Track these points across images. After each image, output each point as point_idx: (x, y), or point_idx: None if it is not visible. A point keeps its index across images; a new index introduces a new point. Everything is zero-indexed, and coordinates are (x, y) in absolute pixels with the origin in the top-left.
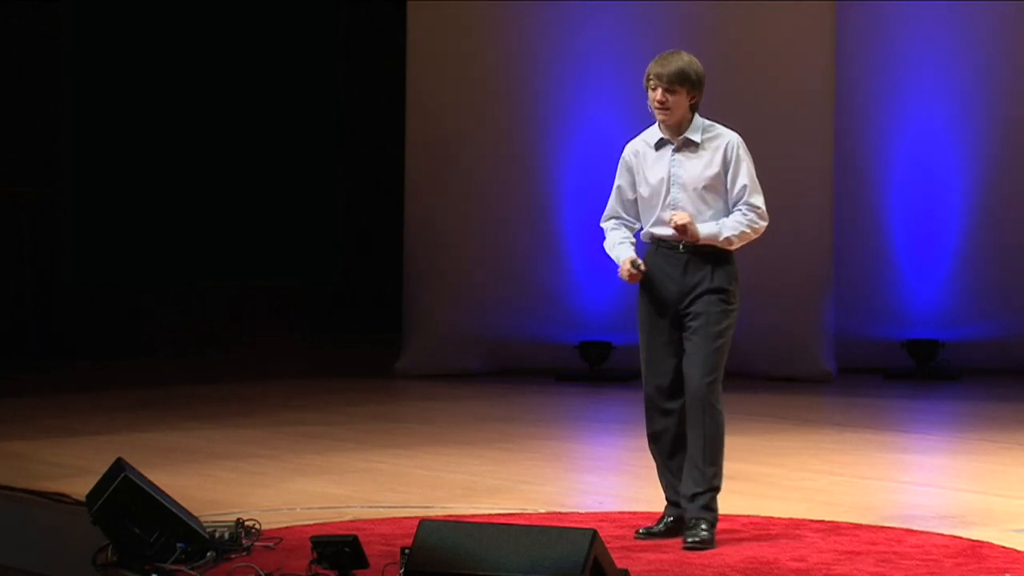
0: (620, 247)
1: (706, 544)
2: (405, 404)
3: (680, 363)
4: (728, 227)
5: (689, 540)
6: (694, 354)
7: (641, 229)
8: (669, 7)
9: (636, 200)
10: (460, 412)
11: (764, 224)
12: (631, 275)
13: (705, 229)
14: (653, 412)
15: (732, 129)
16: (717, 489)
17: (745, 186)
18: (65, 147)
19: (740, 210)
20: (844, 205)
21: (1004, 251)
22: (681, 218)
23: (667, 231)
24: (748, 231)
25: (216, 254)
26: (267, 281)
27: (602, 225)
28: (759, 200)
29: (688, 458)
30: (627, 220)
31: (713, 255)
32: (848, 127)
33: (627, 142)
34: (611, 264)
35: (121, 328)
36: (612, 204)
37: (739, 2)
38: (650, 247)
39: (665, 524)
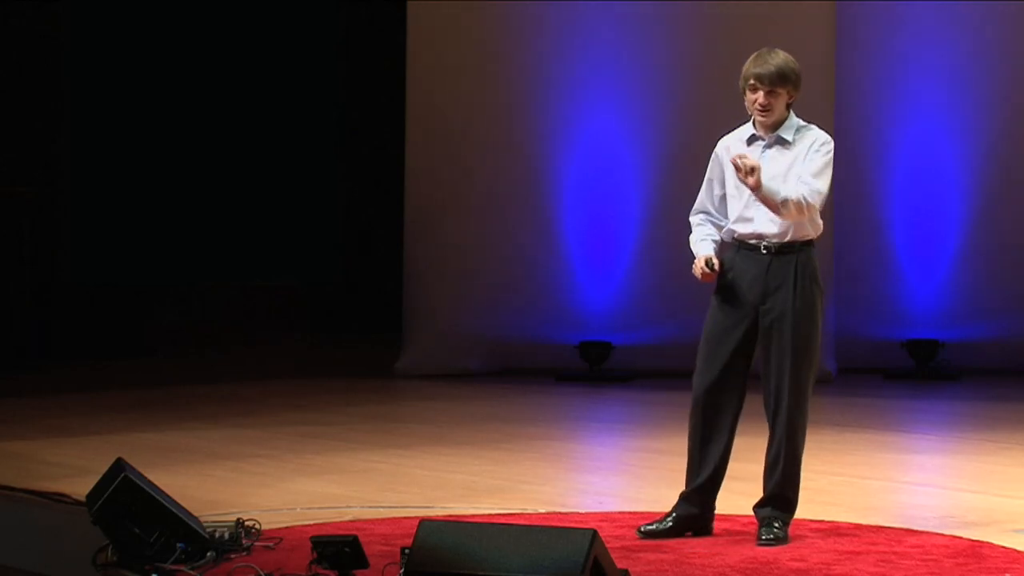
0: (701, 244)
1: (779, 541)
2: (405, 404)
3: (743, 367)
4: (788, 189)
5: (763, 537)
6: (782, 364)
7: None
8: (669, 7)
9: (725, 196)
10: (460, 412)
11: (815, 205)
12: (704, 274)
13: (768, 182)
14: (698, 409)
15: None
16: (787, 498)
17: (812, 173)
18: (65, 147)
19: (803, 181)
20: (844, 205)
21: (1004, 251)
22: (751, 161)
23: (749, 228)
24: (802, 201)
25: (216, 254)
26: (267, 281)
27: (690, 219)
28: (820, 186)
29: (768, 466)
30: (714, 217)
31: (795, 254)
32: (848, 127)
33: (626, 142)
34: (611, 264)
35: (121, 328)
36: (701, 198)
37: (739, 2)
38: (731, 248)
39: (667, 523)
